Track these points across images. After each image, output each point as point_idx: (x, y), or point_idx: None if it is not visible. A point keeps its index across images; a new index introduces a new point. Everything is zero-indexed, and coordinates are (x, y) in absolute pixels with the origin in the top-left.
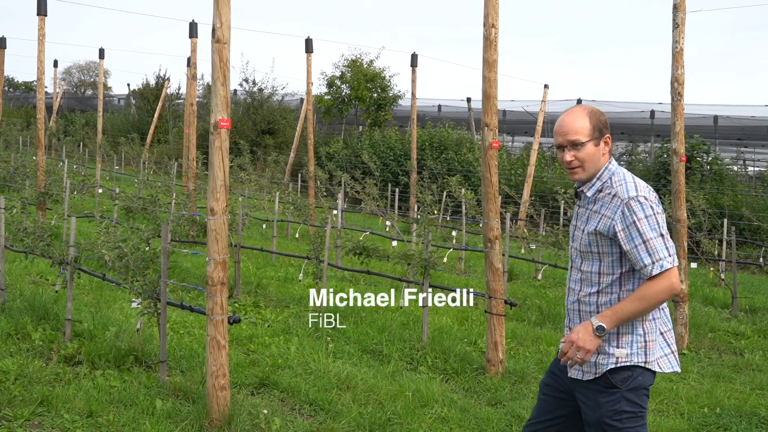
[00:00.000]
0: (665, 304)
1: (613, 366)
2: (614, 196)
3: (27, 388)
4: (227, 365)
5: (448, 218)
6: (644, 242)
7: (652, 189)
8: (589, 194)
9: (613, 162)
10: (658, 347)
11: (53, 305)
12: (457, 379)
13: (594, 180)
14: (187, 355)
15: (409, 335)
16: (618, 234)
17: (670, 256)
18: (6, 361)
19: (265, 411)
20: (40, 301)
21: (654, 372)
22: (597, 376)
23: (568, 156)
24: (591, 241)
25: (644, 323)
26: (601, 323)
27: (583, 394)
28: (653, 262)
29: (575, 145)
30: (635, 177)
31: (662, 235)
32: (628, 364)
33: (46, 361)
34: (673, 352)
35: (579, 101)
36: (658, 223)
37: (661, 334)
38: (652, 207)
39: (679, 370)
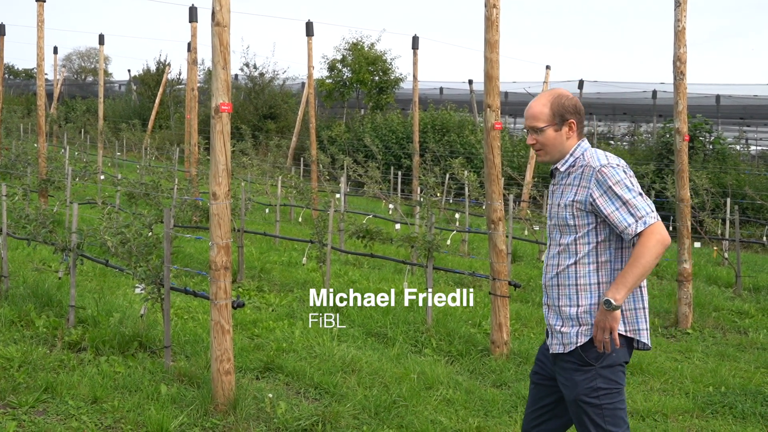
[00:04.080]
0: (643, 283)
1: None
2: (586, 166)
3: (31, 375)
4: (232, 350)
5: (450, 201)
6: (624, 203)
7: (620, 163)
8: (562, 169)
9: (586, 142)
10: (636, 319)
11: (56, 292)
12: (462, 361)
13: (567, 156)
14: (191, 340)
15: (413, 318)
16: (596, 201)
17: (652, 212)
18: (10, 348)
19: (271, 395)
20: (44, 288)
21: (632, 345)
22: (578, 345)
23: (530, 139)
24: (568, 213)
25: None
26: (607, 298)
27: (561, 375)
28: (636, 221)
29: (536, 129)
30: (607, 153)
31: (640, 194)
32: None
33: (50, 348)
34: (642, 330)
35: (581, 82)
36: (632, 185)
37: (643, 309)
38: (624, 171)
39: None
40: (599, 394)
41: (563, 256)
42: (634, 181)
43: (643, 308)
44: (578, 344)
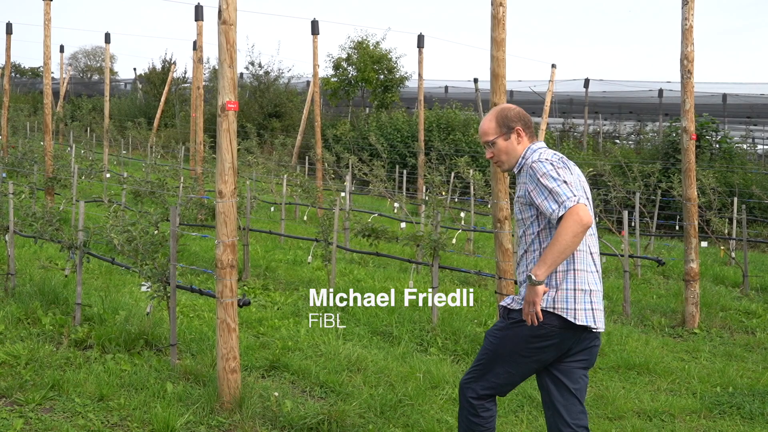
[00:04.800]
0: (589, 267)
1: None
2: (525, 165)
3: (38, 373)
4: (237, 348)
5: (456, 199)
6: (550, 192)
7: (563, 158)
8: (515, 171)
9: (537, 143)
10: (566, 299)
11: (63, 290)
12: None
13: (519, 159)
14: (197, 338)
15: (419, 317)
16: (531, 194)
17: (574, 196)
18: (17, 345)
19: (276, 393)
20: (50, 286)
21: (566, 323)
22: (508, 306)
23: (488, 154)
24: (517, 208)
25: (556, 274)
26: (529, 274)
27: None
28: (559, 206)
29: (488, 143)
30: (549, 151)
31: (565, 182)
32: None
33: (56, 346)
34: (594, 309)
35: (587, 81)
36: (558, 175)
37: (582, 291)
38: (552, 164)
39: (600, 328)
40: (498, 342)
41: (520, 247)
42: (562, 171)
43: (582, 290)
44: (508, 305)
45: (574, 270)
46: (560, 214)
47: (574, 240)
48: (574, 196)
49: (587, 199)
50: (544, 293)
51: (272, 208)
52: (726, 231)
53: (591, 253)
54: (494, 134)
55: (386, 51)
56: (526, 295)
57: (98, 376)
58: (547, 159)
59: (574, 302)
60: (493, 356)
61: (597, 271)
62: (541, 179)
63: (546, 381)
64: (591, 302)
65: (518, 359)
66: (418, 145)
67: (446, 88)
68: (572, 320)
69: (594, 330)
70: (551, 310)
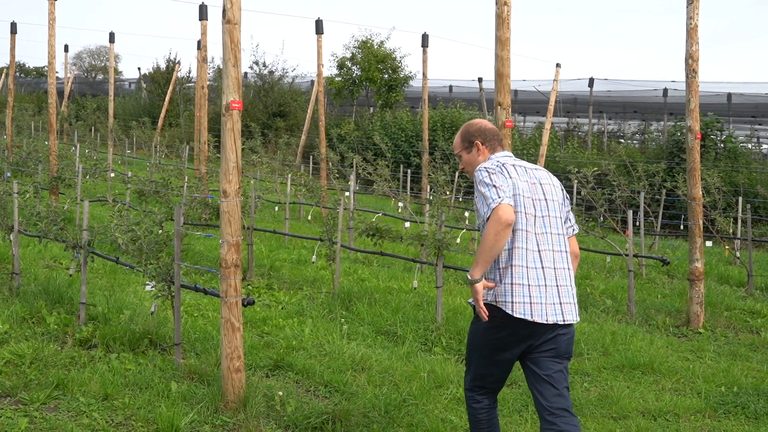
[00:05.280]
0: (531, 264)
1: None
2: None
3: (43, 372)
4: (242, 347)
5: (460, 199)
6: (482, 196)
7: (504, 164)
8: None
9: (499, 154)
10: (505, 293)
11: (67, 289)
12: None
13: None
14: (201, 337)
15: (423, 316)
16: (476, 200)
17: (499, 197)
18: (21, 345)
19: (281, 393)
20: (54, 285)
21: (507, 314)
22: (470, 302)
23: (460, 165)
24: (476, 214)
25: (499, 270)
26: (467, 275)
27: None
28: (488, 209)
29: (458, 156)
30: (497, 160)
31: (494, 186)
32: (486, 299)
33: (61, 345)
34: (532, 303)
35: (591, 80)
36: (491, 180)
37: (520, 285)
38: (487, 171)
39: (541, 320)
40: (470, 337)
41: None
42: (495, 176)
43: (520, 285)
44: (471, 303)
45: (512, 266)
46: (488, 216)
47: (497, 238)
48: (499, 197)
49: (539, 201)
50: (485, 288)
51: (276, 208)
52: (731, 230)
53: (538, 252)
54: (459, 148)
55: (390, 50)
56: (472, 293)
57: (103, 376)
58: (485, 167)
59: (512, 296)
60: (470, 350)
61: (543, 268)
62: (478, 186)
63: (524, 370)
64: (529, 296)
65: (486, 351)
66: (423, 144)
67: (450, 87)
68: (510, 312)
69: (551, 324)
70: (494, 303)
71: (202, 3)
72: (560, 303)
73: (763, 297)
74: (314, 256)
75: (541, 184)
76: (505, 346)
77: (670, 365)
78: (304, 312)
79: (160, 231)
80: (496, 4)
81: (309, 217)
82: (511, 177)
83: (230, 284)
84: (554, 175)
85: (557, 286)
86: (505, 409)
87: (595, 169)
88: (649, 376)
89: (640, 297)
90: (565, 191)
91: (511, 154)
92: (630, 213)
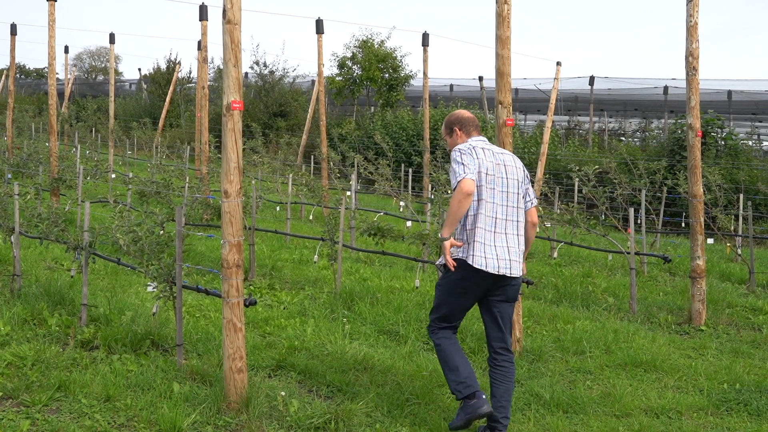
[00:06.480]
0: (489, 228)
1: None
2: None
3: (44, 374)
4: (244, 348)
5: None
6: (453, 171)
7: (474, 147)
8: None
9: (475, 139)
10: (465, 248)
11: (69, 290)
12: (474, 358)
13: None
14: (203, 338)
15: (425, 315)
16: (449, 175)
17: (464, 173)
18: (23, 346)
19: (283, 393)
20: (56, 287)
21: (469, 266)
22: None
23: (448, 148)
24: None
25: (467, 231)
26: (438, 234)
27: None
28: (455, 180)
29: (444, 140)
30: (470, 143)
31: (463, 164)
32: (454, 254)
33: (62, 347)
34: (486, 258)
35: (592, 78)
36: (461, 159)
37: (480, 243)
38: (460, 151)
39: (493, 272)
40: (440, 287)
41: None
42: (465, 156)
43: (480, 243)
44: (440, 263)
45: (475, 228)
46: (454, 187)
47: (460, 205)
48: (464, 173)
49: (501, 179)
50: (452, 246)
51: (278, 208)
52: (732, 228)
53: (495, 219)
54: (444, 134)
55: (391, 50)
56: (442, 249)
57: (105, 377)
58: (459, 148)
59: (473, 250)
60: (439, 296)
61: (497, 233)
62: (452, 163)
63: (481, 311)
64: (485, 253)
65: (452, 296)
66: (424, 143)
67: (451, 86)
68: (471, 263)
69: (501, 275)
70: (462, 257)
71: (203, 3)
72: (509, 260)
73: (765, 294)
74: (316, 256)
75: (505, 165)
76: (467, 291)
77: (672, 363)
78: (306, 312)
79: (162, 232)
80: (497, 2)
81: (310, 217)
82: (478, 157)
83: (232, 284)
84: (556, 173)
85: (507, 247)
86: None
87: (596, 167)
88: (652, 374)
89: (642, 295)
90: (526, 171)
91: (485, 139)
92: (631, 211)
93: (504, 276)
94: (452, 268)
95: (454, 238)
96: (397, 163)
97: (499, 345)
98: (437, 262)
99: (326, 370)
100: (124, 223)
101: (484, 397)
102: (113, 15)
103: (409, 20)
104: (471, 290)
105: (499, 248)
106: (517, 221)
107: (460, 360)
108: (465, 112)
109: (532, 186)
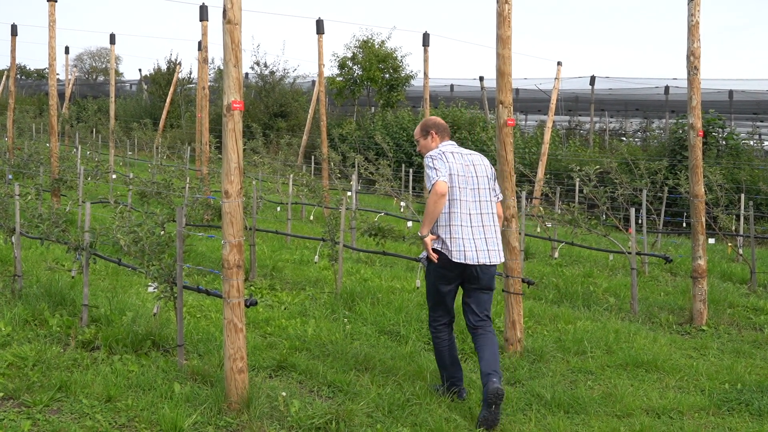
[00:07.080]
0: (464, 223)
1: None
2: None
3: (45, 374)
4: (245, 348)
5: None
6: (427, 176)
7: (444, 152)
8: None
9: (447, 143)
10: (444, 243)
11: (70, 291)
12: (475, 358)
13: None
14: (204, 338)
15: (426, 315)
16: (424, 178)
17: (437, 177)
18: (24, 347)
19: (284, 393)
20: (57, 287)
21: (449, 260)
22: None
23: (418, 148)
24: None
25: (444, 228)
26: (418, 232)
27: None
28: (430, 184)
29: (416, 142)
30: (440, 149)
31: (435, 168)
32: (434, 246)
33: (63, 347)
34: (464, 251)
35: (593, 78)
36: (433, 164)
37: (456, 239)
38: (431, 158)
39: (472, 263)
40: (426, 280)
41: None
42: (436, 161)
43: (456, 238)
44: (423, 257)
45: (451, 225)
46: (430, 189)
47: (435, 206)
48: (437, 177)
49: (471, 177)
50: (432, 240)
51: (278, 208)
52: (733, 227)
53: (469, 215)
54: (418, 135)
55: (391, 50)
56: (423, 245)
57: (106, 377)
58: (431, 155)
59: (451, 245)
60: (428, 290)
61: (473, 226)
62: (426, 168)
63: (462, 298)
64: (463, 247)
65: (437, 286)
66: None
67: (452, 86)
68: (450, 258)
69: (476, 264)
70: (442, 251)
71: (203, 4)
72: (487, 250)
73: (766, 294)
74: (317, 257)
75: (473, 165)
76: (449, 280)
77: (673, 363)
78: (306, 312)
79: (162, 232)
80: (497, 2)
81: (311, 218)
82: (448, 161)
83: (233, 285)
84: (556, 173)
85: (484, 238)
86: (509, 408)
87: (597, 167)
88: (653, 374)
89: (643, 295)
90: (493, 169)
91: (455, 143)
92: (632, 211)
93: (482, 265)
94: (435, 260)
95: (433, 234)
96: (397, 164)
97: (476, 319)
98: (420, 256)
99: (327, 370)
100: (124, 223)
101: (465, 395)
102: (114, 15)
103: (409, 20)
104: (452, 279)
105: (477, 240)
106: (490, 213)
107: (450, 363)
108: (440, 119)
109: (532, 186)
